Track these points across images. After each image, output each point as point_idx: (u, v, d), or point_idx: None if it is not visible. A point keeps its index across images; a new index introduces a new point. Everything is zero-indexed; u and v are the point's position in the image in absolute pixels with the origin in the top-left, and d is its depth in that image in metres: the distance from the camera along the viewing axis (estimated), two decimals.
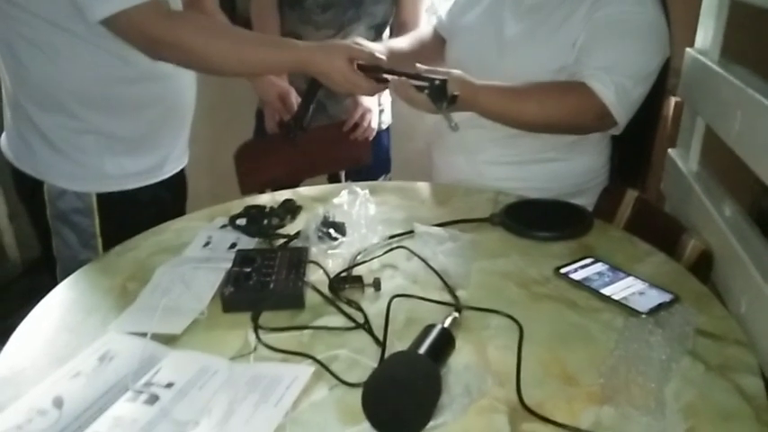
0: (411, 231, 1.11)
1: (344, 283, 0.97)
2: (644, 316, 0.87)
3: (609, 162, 1.40)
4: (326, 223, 1.09)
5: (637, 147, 1.41)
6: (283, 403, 0.73)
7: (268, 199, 1.30)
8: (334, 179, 2.00)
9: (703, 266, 1.10)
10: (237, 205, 1.24)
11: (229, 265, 0.99)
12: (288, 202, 1.24)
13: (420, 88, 1.13)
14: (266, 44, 1.19)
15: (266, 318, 0.89)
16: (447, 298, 0.94)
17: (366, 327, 0.87)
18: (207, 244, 1.11)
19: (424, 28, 1.60)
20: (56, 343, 0.86)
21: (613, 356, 0.78)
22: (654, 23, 1.19)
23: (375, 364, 0.79)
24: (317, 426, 0.71)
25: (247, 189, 1.65)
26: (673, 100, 1.64)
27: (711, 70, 1.26)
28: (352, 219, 1.12)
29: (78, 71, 1.14)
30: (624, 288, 0.95)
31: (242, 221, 1.16)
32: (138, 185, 1.27)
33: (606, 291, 0.94)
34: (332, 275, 0.99)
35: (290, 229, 1.15)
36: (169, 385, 0.75)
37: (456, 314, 0.86)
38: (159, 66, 1.16)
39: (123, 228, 1.17)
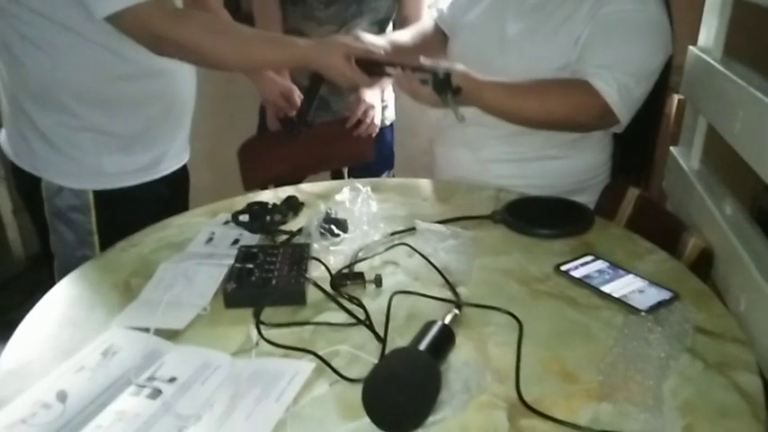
0: (413, 228, 1.11)
1: (346, 280, 0.97)
2: (643, 314, 0.87)
3: (611, 160, 1.40)
4: (328, 220, 1.09)
5: (639, 144, 1.41)
6: (284, 398, 0.73)
7: (271, 195, 1.30)
8: (337, 175, 2.00)
9: (703, 264, 1.11)
10: (240, 201, 1.25)
11: (232, 261, 1.00)
12: (290, 198, 1.24)
13: (424, 80, 1.14)
14: (267, 42, 1.22)
15: (268, 313, 0.90)
16: (448, 295, 0.94)
17: (367, 323, 0.88)
18: (210, 240, 1.12)
19: (426, 21, 1.59)
20: (60, 337, 0.87)
21: (612, 354, 0.78)
22: (656, 21, 1.19)
23: (376, 360, 0.79)
24: (318, 421, 0.72)
25: (250, 185, 1.66)
26: (675, 98, 1.64)
27: (714, 68, 1.26)
28: (354, 215, 1.12)
29: (76, 68, 1.15)
30: (624, 286, 0.95)
31: (245, 218, 1.16)
32: (136, 183, 1.28)
33: (606, 288, 0.94)
34: (333, 272, 0.99)
35: (293, 225, 1.16)
36: (172, 380, 0.76)
37: (456, 311, 0.86)
38: (157, 62, 1.17)
39: (121, 225, 1.17)
